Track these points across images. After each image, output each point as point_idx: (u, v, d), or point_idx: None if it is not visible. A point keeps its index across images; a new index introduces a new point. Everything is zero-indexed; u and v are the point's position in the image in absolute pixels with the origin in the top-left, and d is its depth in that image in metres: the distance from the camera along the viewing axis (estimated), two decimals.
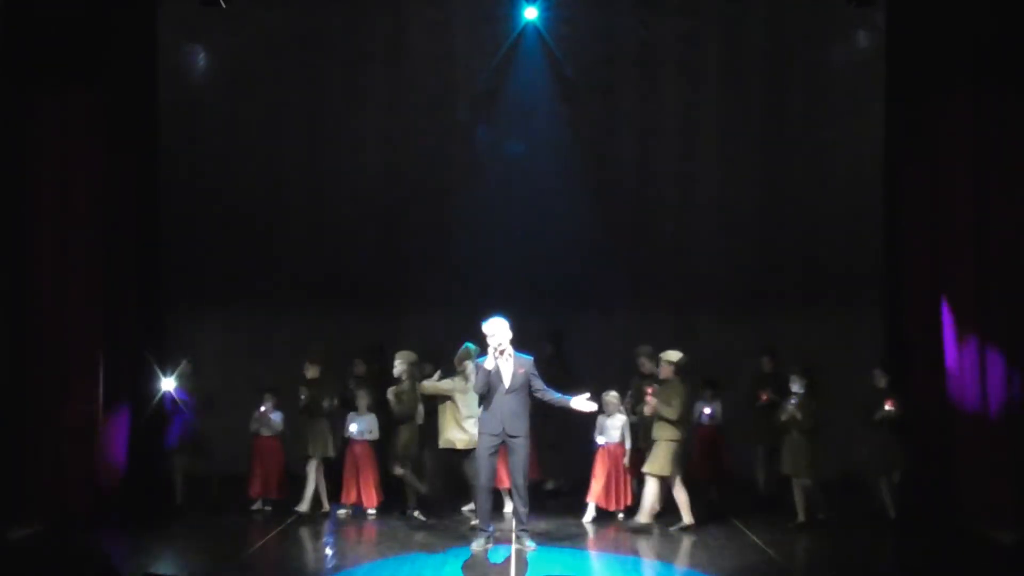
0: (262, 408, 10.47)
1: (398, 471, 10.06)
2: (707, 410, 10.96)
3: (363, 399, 10.38)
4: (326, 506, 10.37)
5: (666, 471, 9.58)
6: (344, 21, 12.75)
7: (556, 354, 11.69)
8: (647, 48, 12.84)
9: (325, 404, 10.35)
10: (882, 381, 10.23)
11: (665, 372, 9.80)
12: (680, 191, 12.92)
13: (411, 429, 10.08)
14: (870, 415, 10.11)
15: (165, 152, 12.07)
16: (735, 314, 12.71)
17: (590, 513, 10.07)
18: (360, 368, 11.16)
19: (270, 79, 12.77)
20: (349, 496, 10.27)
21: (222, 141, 12.73)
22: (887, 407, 10.01)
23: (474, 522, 9.31)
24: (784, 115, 12.82)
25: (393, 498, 10.36)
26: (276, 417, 10.49)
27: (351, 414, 10.39)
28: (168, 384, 10.54)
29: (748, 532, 9.54)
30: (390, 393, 10.05)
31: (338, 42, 12.77)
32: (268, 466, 10.44)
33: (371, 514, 10.20)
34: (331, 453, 10.43)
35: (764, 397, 10.88)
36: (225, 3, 11.89)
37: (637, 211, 12.94)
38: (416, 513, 10.03)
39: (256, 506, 10.42)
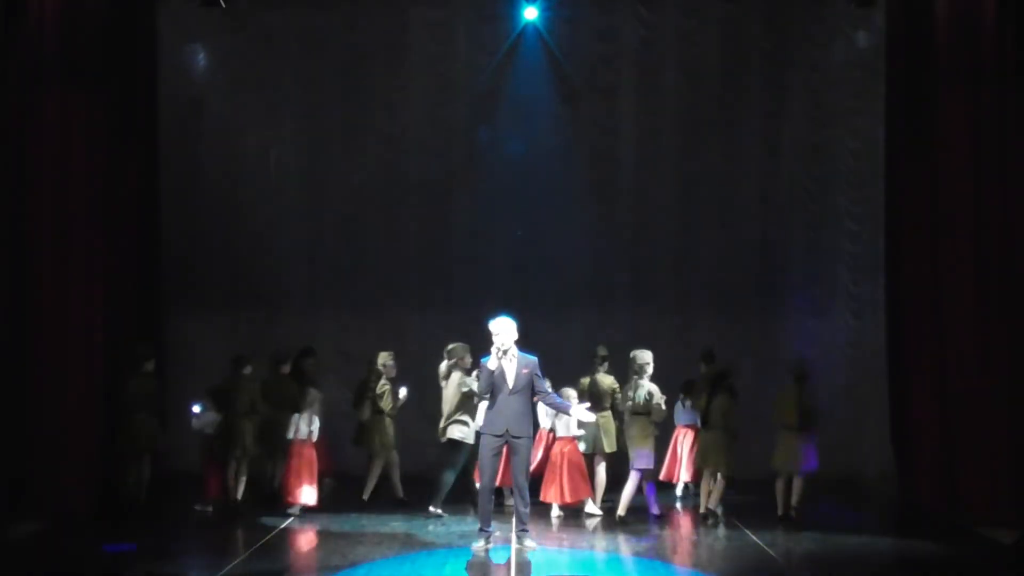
0: (196, 409, 10.38)
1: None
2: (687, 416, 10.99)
3: (313, 399, 10.37)
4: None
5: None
6: (344, 21, 12.76)
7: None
8: (647, 48, 12.85)
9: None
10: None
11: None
12: (679, 191, 12.93)
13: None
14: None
15: (165, 152, 12.08)
16: (735, 314, 12.72)
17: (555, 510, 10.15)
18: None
19: (270, 79, 12.77)
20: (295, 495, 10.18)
21: (222, 141, 12.74)
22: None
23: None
24: (784, 115, 12.83)
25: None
26: (211, 417, 10.38)
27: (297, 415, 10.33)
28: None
29: (748, 532, 9.55)
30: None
31: (338, 42, 12.78)
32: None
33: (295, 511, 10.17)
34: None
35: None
36: (225, 3, 11.90)
37: (637, 211, 12.95)
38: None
39: (199, 506, 10.34)
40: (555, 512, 10.15)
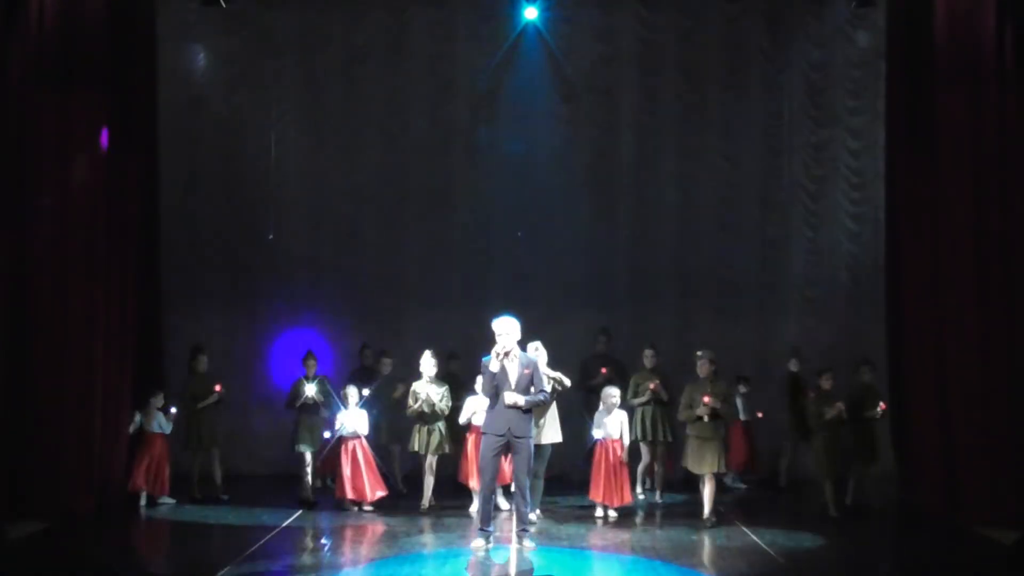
0: (158, 407, 10.69)
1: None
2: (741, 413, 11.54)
3: (352, 396, 10.46)
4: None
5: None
6: (344, 21, 12.76)
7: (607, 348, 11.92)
8: (646, 48, 12.86)
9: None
10: (827, 384, 10.35)
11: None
12: (679, 191, 12.94)
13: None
14: (819, 418, 10.25)
15: (165, 152, 12.08)
16: (735, 314, 12.73)
17: (600, 510, 10.17)
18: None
19: (270, 79, 12.77)
20: (350, 491, 10.33)
21: (222, 141, 12.73)
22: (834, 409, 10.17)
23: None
24: (784, 115, 12.84)
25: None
26: (161, 416, 10.74)
27: (342, 411, 10.45)
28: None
29: (748, 532, 9.55)
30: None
31: (338, 42, 12.78)
32: (159, 462, 10.62)
33: (368, 508, 10.31)
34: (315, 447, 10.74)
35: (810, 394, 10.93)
36: (225, 3, 11.90)
37: (637, 211, 12.95)
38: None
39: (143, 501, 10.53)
40: (598, 512, 10.18)
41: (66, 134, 9.96)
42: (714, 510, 9.83)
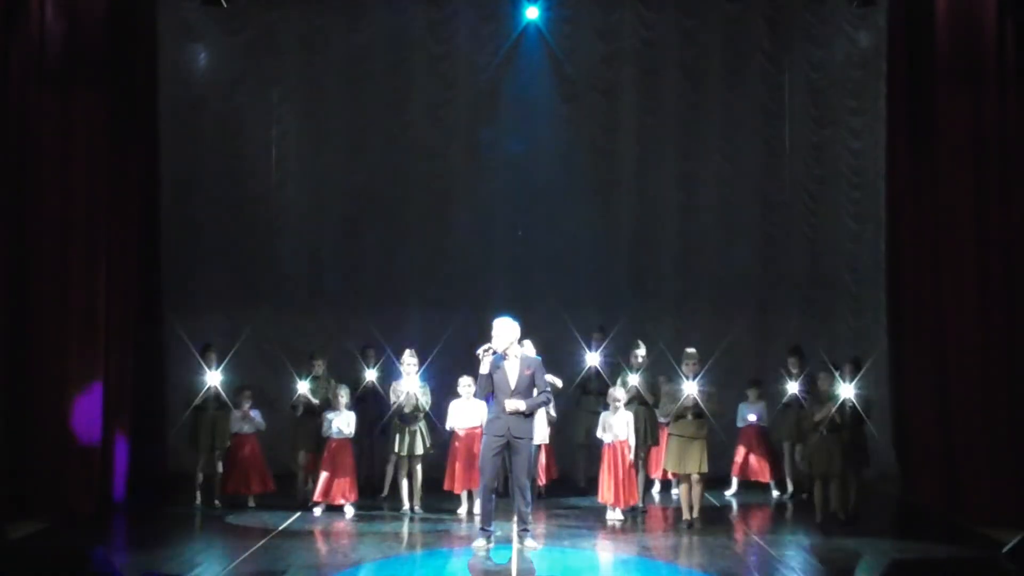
0: (246, 406, 10.57)
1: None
2: (751, 416, 11.19)
3: (343, 396, 10.38)
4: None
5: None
6: (345, 21, 12.76)
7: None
8: (647, 48, 12.87)
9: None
10: (826, 384, 9.88)
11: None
12: (680, 191, 12.94)
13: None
14: (810, 419, 9.88)
15: (165, 152, 12.08)
16: (735, 314, 12.72)
17: (610, 513, 10.06)
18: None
19: (270, 79, 12.77)
20: (326, 494, 10.24)
21: (222, 141, 12.73)
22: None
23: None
24: (784, 115, 12.84)
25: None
26: (256, 414, 10.62)
27: (328, 412, 10.37)
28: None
29: (749, 532, 9.54)
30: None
31: (339, 42, 12.78)
32: (250, 462, 10.56)
33: (349, 511, 10.22)
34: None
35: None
36: (225, 3, 11.90)
37: (637, 211, 12.95)
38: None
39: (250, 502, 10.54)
40: (613, 514, 10.06)
41: (66, 134, 9.97)
42: (700, 513, 9.72)
